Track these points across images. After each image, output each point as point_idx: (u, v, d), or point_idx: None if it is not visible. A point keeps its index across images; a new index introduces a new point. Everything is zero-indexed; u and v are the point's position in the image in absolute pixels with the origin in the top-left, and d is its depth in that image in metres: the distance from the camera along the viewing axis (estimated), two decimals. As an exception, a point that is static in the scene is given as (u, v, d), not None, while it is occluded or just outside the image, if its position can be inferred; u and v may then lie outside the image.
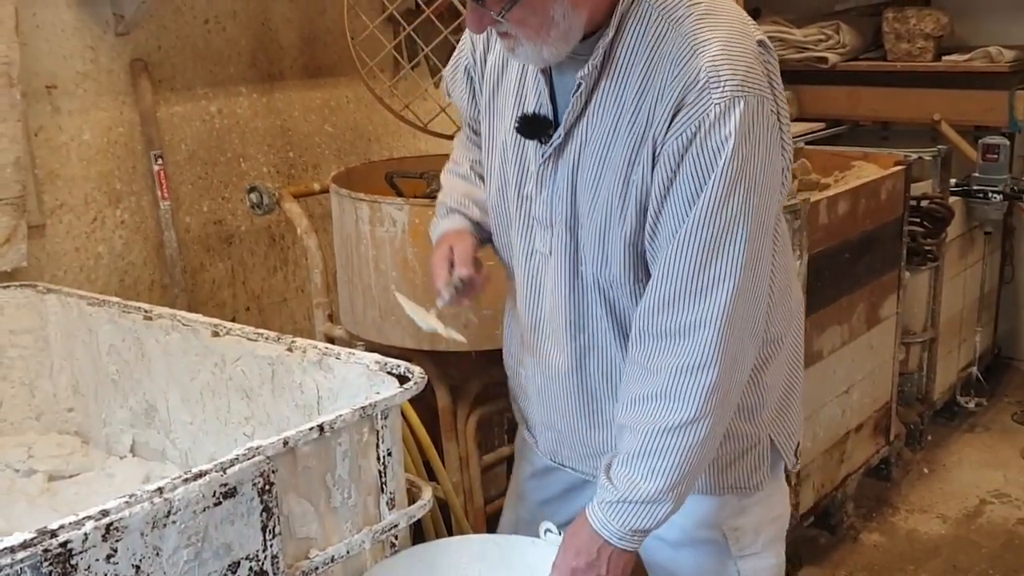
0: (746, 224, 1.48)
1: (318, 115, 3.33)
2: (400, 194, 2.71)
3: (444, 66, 3.22)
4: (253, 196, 2.83)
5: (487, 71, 1.74)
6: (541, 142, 1.62)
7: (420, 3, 3.10)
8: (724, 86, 1.44)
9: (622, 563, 1.60)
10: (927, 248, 3.59)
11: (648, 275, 1.55)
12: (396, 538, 1.81)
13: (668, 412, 1.53)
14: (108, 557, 1.36)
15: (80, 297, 2.42)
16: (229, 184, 3.10)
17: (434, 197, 2.52)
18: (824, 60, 4.34)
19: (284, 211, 2.84)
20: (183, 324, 2.19)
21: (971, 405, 4.13)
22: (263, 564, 1.55)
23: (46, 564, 1.30)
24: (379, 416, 1.72)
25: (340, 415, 1.66)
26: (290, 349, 2.03)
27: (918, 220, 3.55)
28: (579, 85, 1.54)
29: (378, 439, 1.74)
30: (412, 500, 1.84)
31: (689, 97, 1.45)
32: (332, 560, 1.67)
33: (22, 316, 2.49)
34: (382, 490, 1.76)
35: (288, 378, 2.04)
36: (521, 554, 1.79)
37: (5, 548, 1.28)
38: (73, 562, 1.33)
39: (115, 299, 2.40)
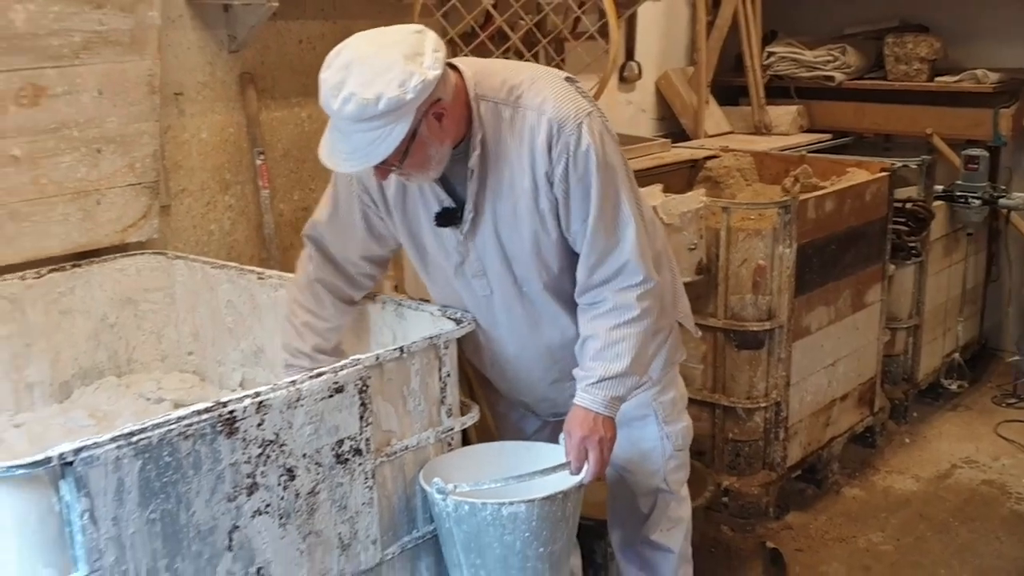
0: (622, 187, 2.20)
1: (389, 120, 3.92)
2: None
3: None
4: (337, 186, 3.44)
5: (390, 201, 2.33)
6: (456, 225, 2.24)
7: (475, 28, 3.70)
8: (569, 124, 2.12)
9: (611, 425, 2.26)
10: (911, 245, 4.12)
11: (575, 256, 2.23)
12: (452, 439, 2.40)
13: (620, 316, 2.22)
14: (258, 424, 1.96)
15: (204, 262, 3.05)
16: (315, 177, 3.70)
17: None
18: (832, 79, 4.89)
19: (362, 199, 3.45)
20: (290, 282, 2.80)
21: (954, 387, 4.65)
22: (359, 443, 2.15)
23: (219, 424, 1.90)
24: (442, 346, 2.32)
25: (415, 342, 2.27)
26: (373, 301, 2.63)
27: (903, 220, 4.09)
28: (472, 172, 2.18)
29: (440, 363, 2.33)
30: (463, 413, 2.44)
31: (553, 140, 2.12)
32: (405, 448, 2.27)
33: (154, 277, 3.11)
34: (443, 402, 2.35)
35: (372, 324, 2.64)
36: (545, 453, 2.37)
37: (194, 411, 1.88)
38: (235, 425, 1.93)
39: (233, 263, 3.03)
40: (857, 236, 3.75)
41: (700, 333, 2.80)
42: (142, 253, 3.11)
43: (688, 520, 2.66)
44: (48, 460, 1.68)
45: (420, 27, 2.10)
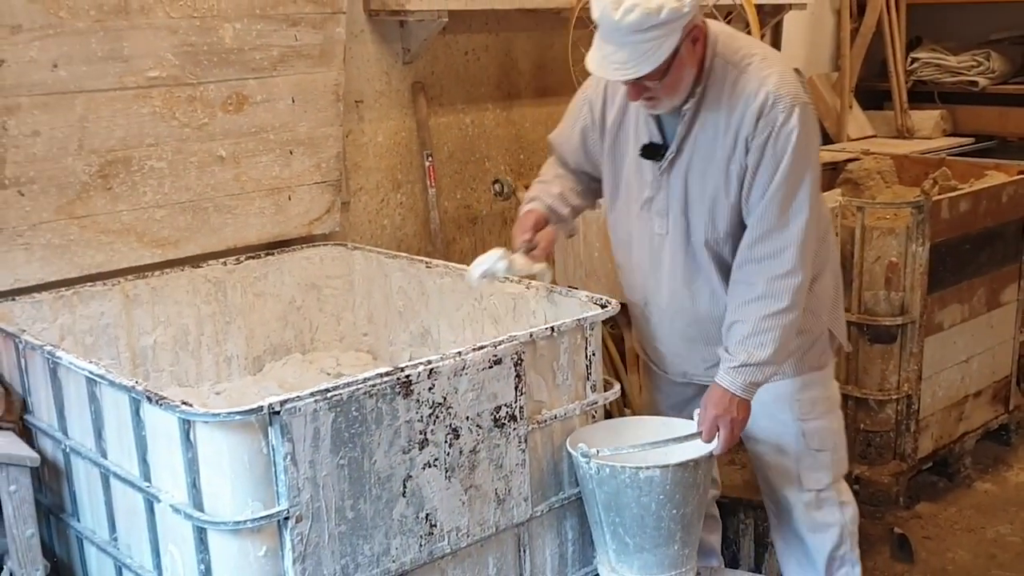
0: (807, 181, 2.37)
1: (544, 126, 4.20)
2: (606, 187, 3.58)
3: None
4: (496, 186, 3.76)
5: (608, 125, 2.58)
6: (658, 159, 2.48)
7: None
8: (784, 101, 2.32)
9: (745, 408, 2.48)
10: (1055, 246, 4.19)
11: (742, 230, 2.43)
12: (595, 412, 2.68)
13: (769, 306, 2.40)
14: (429, 388, 2.28)
15: (379, 252, 3.41)
16: (476, 178, 4.04)
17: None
18: (975, 84, 4.97)
19: (517, 199, 3.76)
20: (454, 271, 3.14)
21: (1095, 388, 4.67)
22: (514, 410, 2.44)
23: (397, 386, 2.23)
24: (588, 327, 2.60)
25: (564, 322, 2.55)
26: (528, 288, 2.94)
27: (1045, 222, 4.16)
28: (684, 115, 2.41)
29: (587, 343, 2.61)
30: (606, 390, 2.72)
31: (765, 110, 2.33)
32: (554, 418, 2.55)
33: (335, 266, 3.47)
34: (588, 378, 2.63)
35: (526, 308, 2.94)
36: (680, 428, 2.63)
37: (376, 374, 2.21)
38: (411, 388, 2.24)
39: (404, 254, 3.39)
40: (993, 236, 3.87)
41: (850, 347, 2.95)
42: (325, 244, 3.48)
43: (841, 526, 2.71)
44: (260, 409, 2.03)
45: None
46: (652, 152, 2.49)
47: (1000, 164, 4.20)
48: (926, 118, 5.01)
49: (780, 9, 4.58)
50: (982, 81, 4.95)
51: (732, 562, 3.23)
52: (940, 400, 3.84)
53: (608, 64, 2.28)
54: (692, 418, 2.56)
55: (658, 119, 2.48)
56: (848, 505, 2.73)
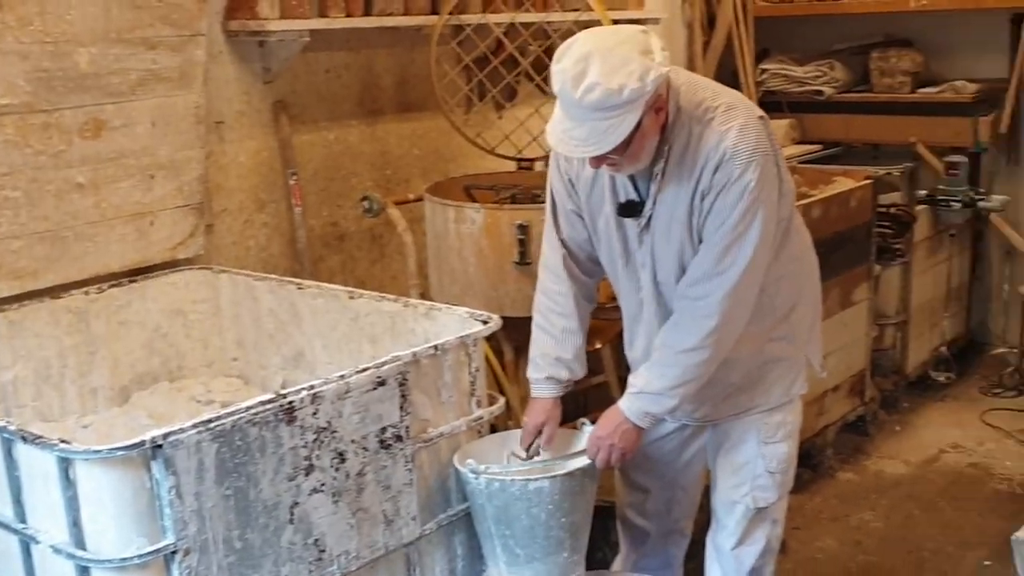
0: (753, 233, 2.31)
1: (409, 142, 4.21)
2: (475, 201, 3.59)
3: (508, 104, 4.16)
4: (365, 203, 3.73)
5: (580, 187, 2.53)
6: (636, 216, 2.45)
7: (488, 54, 4.01)
8: (741, 156, 2.27)
9: (633, 436, 2.49)
10: (895, 247, 4.42)
11: None
12: (481, 427, 2.70)
13: (682, 343, 2.41)
14: (313, 413, 2.25)
15: (246, 275, 3.35)
16: (342, 195, 4.00)
17: (501, 202, 3.45)
18: (821, 93, 5.19)
19: (388, 215, 3.74)
20: (327, 291, 3.11)
21: (942, 379, 4.94)
22: (400, 431, 2.44)
23: (280, 412, 2.20)
24: (471, 343, 2.61)
25: (447, 340, 2.56)
26: (405, 306, 2.93)
27: (887, 224, 4.38)
28: (657, 176, 2.38)
29: (470, 359, 2.62)
30: (491, 404, 2.73)
31: (721, 165, 2.28)
32: (440, 435, 2.56)
33: (201, 290, 3.39)
34: (472, 394, 2.64)
35: (404, 326, 2.93)
36: (566, 439, 2.68)
37: (259, 401, 2.18)
38: (294, 414, 2.22)
39: (272, 275, 3.33)
40: (844, 240, 4.05)
41: (825, 374, 2.95)
42: (189, 268, 3.39)
43: (768, 540, 2.72)
44: (142, 443, 1.98)
45: (644, 28, 2.29)
46: (630, 210, 2.46)
47: (847, 170, 4.40)
48: (777, 127, 5.17)
49: (636, 24, 4.68)
50: (827, 90, 5.18)
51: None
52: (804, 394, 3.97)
53: (568, 140, 2.23)
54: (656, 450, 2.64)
55: (631, 176, 2.46)
56: (779, 523, 2.76)
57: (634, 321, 2.63)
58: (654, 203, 2.41)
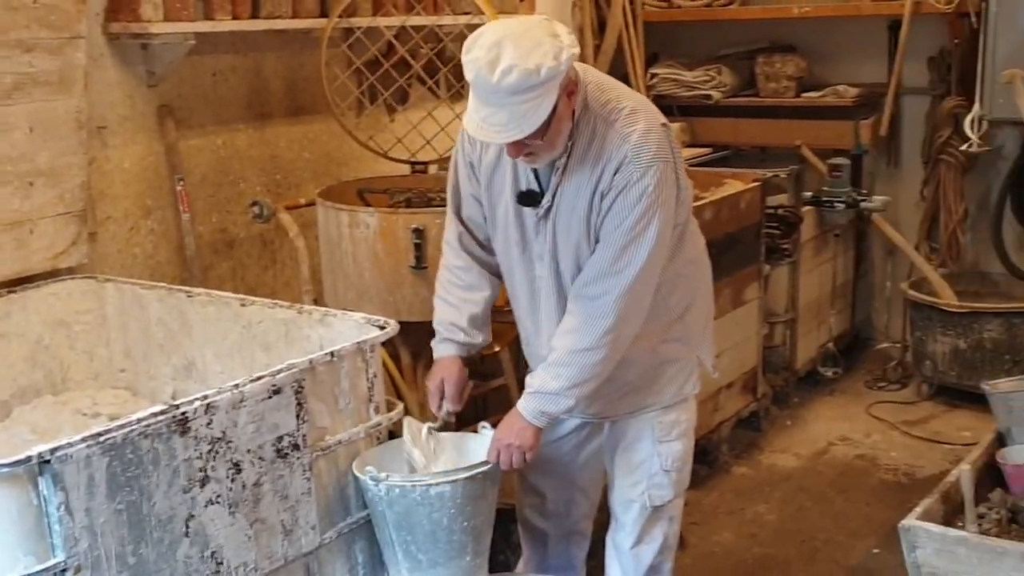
0: (650, 236, 2.35)
1: (299, 145, 4.16)
2: (369, 205, 3.56)
3: (400, 107, 4.13)
4: (255, 208, 3.67)
5: (482, 171, 2.54)
6: (535, 206, 2.46)
7: (379, 57, 3.97)
8: (641, 159, 2.31)
9: (529, 435, 2.48)
10: (783, 247, 4.52)
11: None
12: (380, 434, 2.67)
13: (578, 342, 2.41)
14: (207, 424, 2.20)
15: (133, 284, 3.25)
16: (231, 200, 3.92)
17: (396, 206, 3.42)
18: (709, 97, 5.28)
19: (279, 220, 3.68)
20: (218, 299, 3.04)
21: (829, 374, 5.07)
22: (296, 440, 2.39)
23: (173, 424, 2.14)
24: (368, 349, 2.58)
25: (344, 346, 2.52)
26: (300, 312, 2.88)
27: (775, 224, 4.48)
28: (559, 168, 2.40)
29: (367, 365, 2.59)
30: (390, 410, 2.70)
31: (622, 167, 2.32)
32: (339, 443, 2.52)
33: (85, 300, 3.28)
34: (370, 400, 2.61)
35: (299, 333, 2.88)
36: (466, 443, 2.66)
37: (151, 413, 2.11)
38: (188, 425, 2.16)
39: (162, 284, 3.24)
40: (734, 241, 4.12)
41: (718, 374, 3.01)
42: (72, 278, 3.28)
43: (665, 537, 2.75)
44: (28, 459, 1.90)
45: (546, 16, 2.31)
46: (529, 199, 2.47)
47: (737, 172, 4.49)
48: (667, 130, 5.27)
49: (524, 27, 4.70)
50: (715, 94, 5.27)
51: (518, 565, 3.28)
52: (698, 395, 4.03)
53: (488, 127, 2.23)
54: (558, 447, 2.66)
55: (533, 168, 2.45)
56: (676, 520, 2.79)
57: (529, 313, 2.64)
58: (554, 195, 2.43)
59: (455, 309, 2.68)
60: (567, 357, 2.43)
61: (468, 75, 2.21)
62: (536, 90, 2.18)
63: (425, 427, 2.63)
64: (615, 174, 2.33)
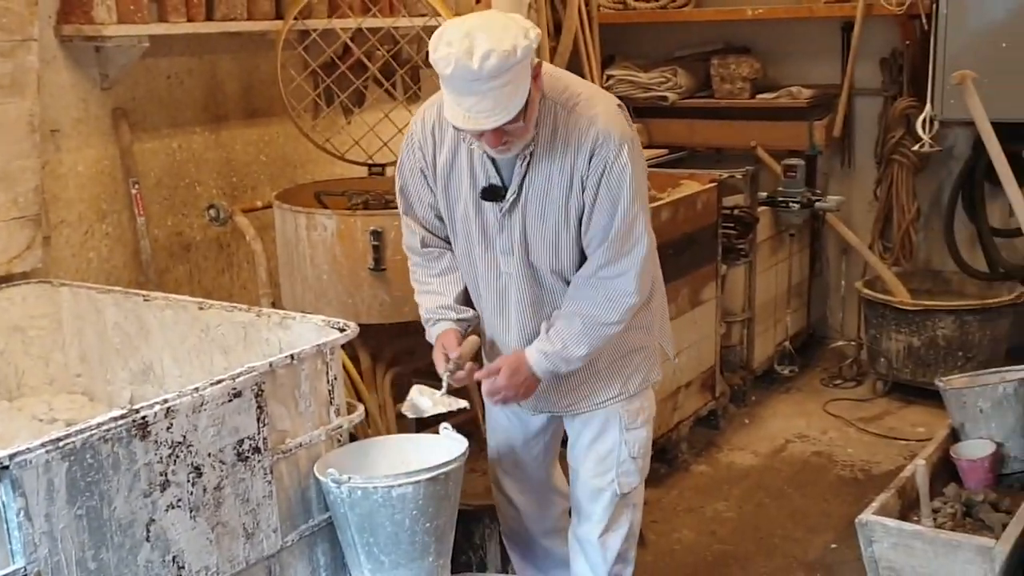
0: (643, 211, 2.47)
1: (256, 148, 4.13)
2: (327, 207, 3.54)
3: (356, 109, 4.12)
4: (211, 211, 3.65)
5: (439, 167, 2.56)
6: (499, 201, 2.50)
7: (335, 59, 3.96)
8: (613, 139, 2.39)
9: (532, 386, 2.58)
10: (740, 247, 4.56)
11: (581, 256, 2.52)
12: (341, 436, 2.66)
13: (604, 316, 2.50)
14: (167, 428, 2.18)
15: (89, 288, 3.22)
16: (187, 203, 3.89)
17: (353, 208, 3.41)
18: (665, 98, 5.32)
19: (235, 223, 3.66)
20: (175, 302, 3.01)
21: (786, 372, 5.12)
22: (257, 442, 2.38)
23: (133, 428, 2.12)
24: (328, 352, 2.58)
25: (304, 349, 2.51)
26: (258, 315, 2.87)
27: (732, 225, 4.52)
28: (525, 159, 2.43)
29: (327, 368, 2.59)
30: (350, 412, 2.69)
31: (596, 149, 2.38)
32: (299, 446, 2.51)
33: (40, 304, 3.25)
34: (331, 402, 2.61)
35: (257, 336, 2.87)
36: (428, 445, 2.66)
37: (111, 417, 2.09)
38: (148, 429, 2.14)
39: (118, 288, 3.21)
40: (691, 241, 4.15)
41: (678, 361, 3.04)
42: (27, 282, 3.25)
43: (631, 525, 2.80)
44: (-14, 465, 1.88)
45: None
46: (492, 194, 2.49)
47: (693, 174, 4.52)
48: (623, 131, 5.30)
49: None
50: (671, 96, 5.30)
51: (480, 566, 3.29)
52: (657, 392, 4.04)
53: (474, 116, 2.25)
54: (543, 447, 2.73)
55: (493, 160, 2.48)
56: (639, 507, 2.83)
57: (496, 311, 2.66)
58: (520, 186, 2.46)
59: (438, 295, 2.70)
60: (593, 329, 2.51)
61: (444, 70, 2.23)
62: (514, 70, 2.23)
63: (436, 393, 2.63)
64: (591, 158, 2.39)
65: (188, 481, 2.23)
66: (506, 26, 2.24)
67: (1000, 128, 3.59)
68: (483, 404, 2.72)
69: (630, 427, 2.73)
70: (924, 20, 4.74)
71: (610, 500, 2.74)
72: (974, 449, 3.61)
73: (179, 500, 2.22)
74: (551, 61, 5.14)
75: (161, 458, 2.17)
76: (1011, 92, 4.43)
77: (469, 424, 3.66)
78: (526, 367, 2.55)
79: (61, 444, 1.99)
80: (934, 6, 4.62)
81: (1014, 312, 4.77)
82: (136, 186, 3.66)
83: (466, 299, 2.71)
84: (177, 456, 2.21)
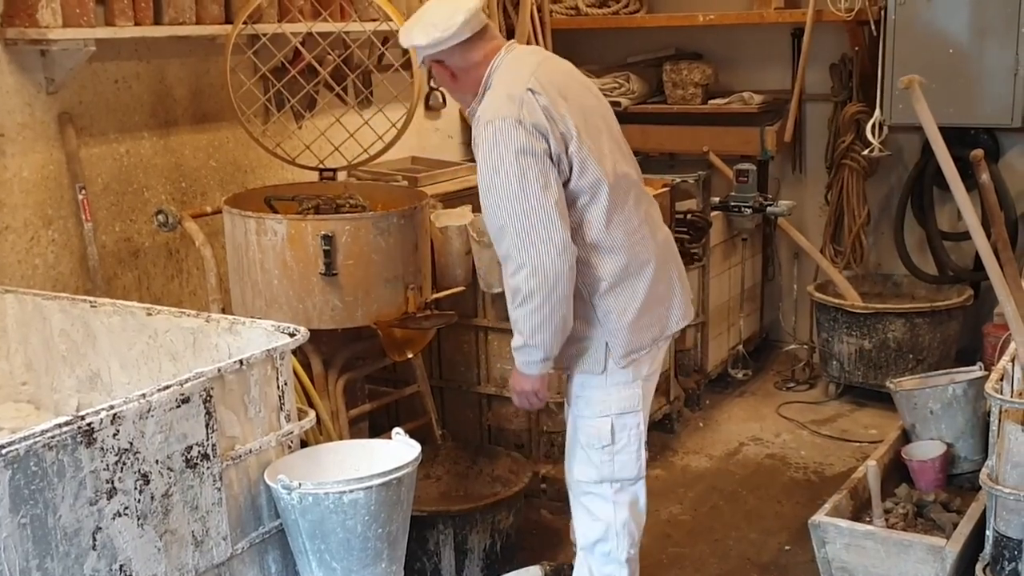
0: (513, 187, 2.55)
1: (205, 153, 4.08)
2: (277, 212, 3.51)
3: (307, 113, 4.08)
4: (160, 217, 3.59)
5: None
6: None
7: (285, 63, 3.93)
8: (483, 119, 2.64)
9: (527, 381, 2.74)
10: (693, 251, 4.58)
11: None
12: (291, 442, 2.63)
13: (512, 301, 2.66)
14: (114, 435, 2.15)
15: (34, 294, 3.16)
16: (135, 209, 3.84)
17: (304, 213, 3.38)
18: (618, 104, 5.32)
19: (185, 228, 3.61)
20: (123, 308, 2.96)
21: (740, 376, 5.15)
22: (206, 449, 2.35)
23: (79, 435, 2.08)
24: (278, 357, 2.55)
25: (253, 354, 2.48)
26: (207, 321, 2.83)
27: (685, 229, 4.54)
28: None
29: (278, 373, 2.56)
30: (301, 418, 2.67)
31: (474, 128, 2.70)
32: (249, 452, 2.48)
33: (-17, 312, 3.21)
34: (281, 408, 2.58)
35: (207, 342, 2.83)
36: (380, 451, 2.64)
37: (56, 424, 2.05)
38: (94, 436, 2.11)
39: (64, 294, 3.16)
40: (646, 244, 4.15)
41: (624, 363, 2.89)
42: (-32, 291, 3.19)
43: (609, 524, 2.84)
44: (-76, 474, 1.84)
45: None
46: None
47: (646, 179, 4.48)
48: (575, 136, 5.30)
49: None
50: (624, 101, 5.31)
51: (434, 573, 3.26)
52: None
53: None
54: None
55: None
56: (622, 508, 2.84)
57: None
58: None
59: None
60: (512, 315, 2.66)
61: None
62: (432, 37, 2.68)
63: None
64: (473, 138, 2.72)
65: (135, 488, 2.20)
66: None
67: (947, 132, 3.63)
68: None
69: (581, 414, 2.82)
70: (873, 26, 4.80)
71: (576, 484, 2.87)
72: (925, 450, 3.65)
73: (126, 508, 2.18)
74: (504, 66, 5.14)
75: (108, 465, 2.14)
76: (958, 97, 4.50)
77: (423, 430, 3.65)
78: (515, 369, 2.75)
79: (4, 452, 1.95)
80: (882, 12, 4.68)
81: (963, 314, 4.83)
82: (83, 191, 3.61)
83: None
84: (124, 463, 2.17)
